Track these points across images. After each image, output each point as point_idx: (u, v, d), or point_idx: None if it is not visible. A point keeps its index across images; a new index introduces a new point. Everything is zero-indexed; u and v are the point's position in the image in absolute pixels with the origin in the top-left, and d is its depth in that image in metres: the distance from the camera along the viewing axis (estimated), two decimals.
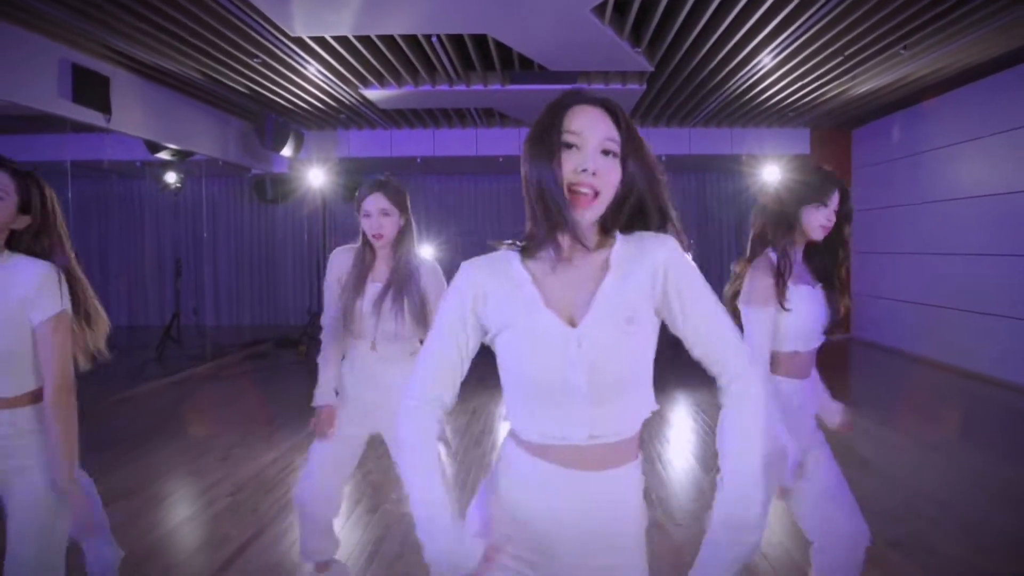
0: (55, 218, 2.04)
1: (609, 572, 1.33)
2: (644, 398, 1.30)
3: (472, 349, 1.39)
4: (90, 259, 9.43)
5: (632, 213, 1.36)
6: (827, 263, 2.34)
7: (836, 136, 10.62)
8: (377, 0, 5.13)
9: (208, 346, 9.13)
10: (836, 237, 2.29)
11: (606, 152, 1.27)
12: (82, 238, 8.46)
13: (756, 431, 1.30)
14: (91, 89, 6.25)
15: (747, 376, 1.32)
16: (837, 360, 8.67)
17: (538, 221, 1.29)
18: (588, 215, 1.27)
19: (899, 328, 8.90)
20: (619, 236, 1.36)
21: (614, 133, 1.28)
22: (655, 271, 1.31)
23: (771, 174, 8.51)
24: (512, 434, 1.36)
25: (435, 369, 1.38)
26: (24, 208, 1.97)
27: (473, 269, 1.37)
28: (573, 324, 1.29)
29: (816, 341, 2.27)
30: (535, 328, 1.29)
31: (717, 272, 9.99)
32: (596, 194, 1.26)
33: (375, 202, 2.53)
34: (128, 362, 8.13)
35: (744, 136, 10.29)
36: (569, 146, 1.27)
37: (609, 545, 1.32)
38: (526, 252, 1.36)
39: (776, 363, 2.25)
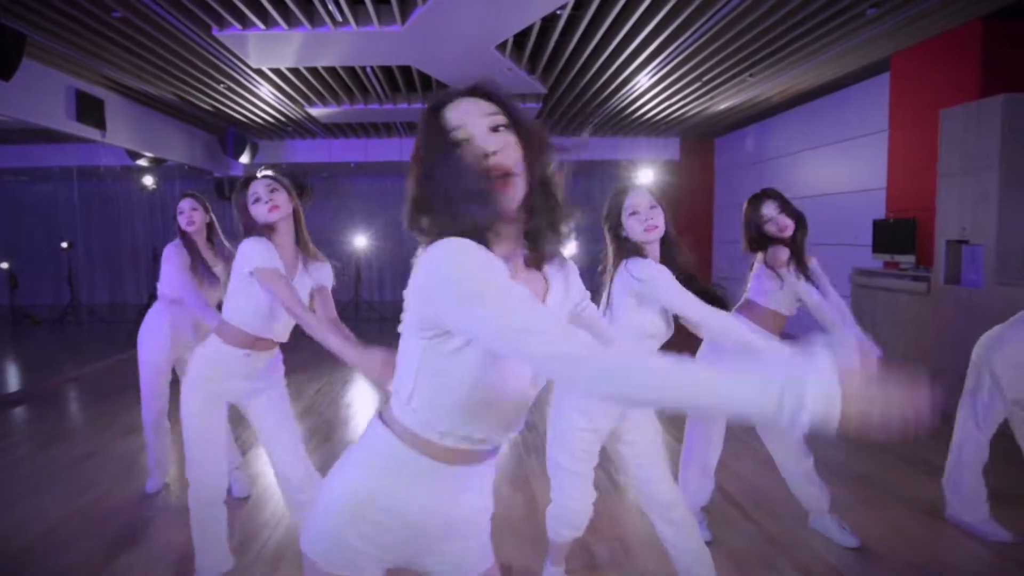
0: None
1: (464, 552, 1.35)
2: None
3: None
4: (85, 246, 10.47)
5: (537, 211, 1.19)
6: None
7: (702, 144, 11.46)
8: (317, 39, 5.71)
9: None
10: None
11: (495, 128, 1.14)
12: (84, 229, 9.51)
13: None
14: (90, 110, 7.00)
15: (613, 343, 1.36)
16: None
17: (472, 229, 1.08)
18: (516, 195, 1.14)
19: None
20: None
21: (494, 109, 1.16)
22: (579, 299, 1.40)
23: (646, 176, 9.29)
24: (393, 431, 1.21)
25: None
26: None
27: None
28: None
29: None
30: None
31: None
32: (508, 173, 1.13)
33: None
34: (119, 330, 9.11)
35: (625, 144, 11.06)
36: (459, 143, 1.13)
37: (472, 527, 1.34)
38: None
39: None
